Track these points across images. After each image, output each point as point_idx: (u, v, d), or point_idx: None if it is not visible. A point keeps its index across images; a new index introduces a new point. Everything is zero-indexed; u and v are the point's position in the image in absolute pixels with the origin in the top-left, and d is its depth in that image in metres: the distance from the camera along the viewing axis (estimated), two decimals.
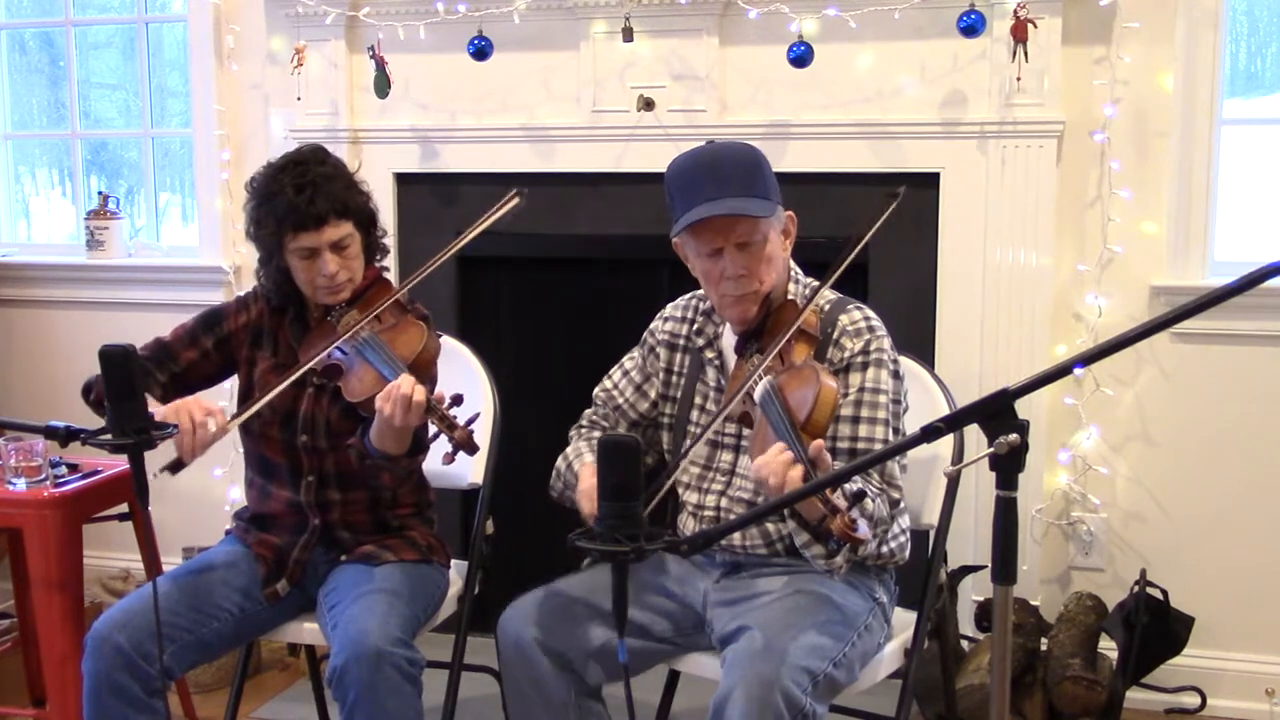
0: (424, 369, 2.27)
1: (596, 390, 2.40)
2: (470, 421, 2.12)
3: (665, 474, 2.15)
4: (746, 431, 2.15)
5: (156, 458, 1.97)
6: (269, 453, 2.39)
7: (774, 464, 1.84)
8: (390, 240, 3.31)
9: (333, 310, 2.34)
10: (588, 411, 2.41)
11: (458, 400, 2.14)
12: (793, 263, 2.22)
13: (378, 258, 2.43)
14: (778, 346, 2.05)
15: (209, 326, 2.43)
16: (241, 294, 2.51)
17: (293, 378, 2.26)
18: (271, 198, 2.27)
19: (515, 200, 2.39)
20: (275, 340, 2.41)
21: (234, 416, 2.24)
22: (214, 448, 2.47)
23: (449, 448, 2.11)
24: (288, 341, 2.39)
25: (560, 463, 2.34)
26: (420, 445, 2.28)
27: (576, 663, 2.12)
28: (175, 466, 2.15)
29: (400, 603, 2.23)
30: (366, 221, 2.36)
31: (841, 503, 1.75)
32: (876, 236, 3.05)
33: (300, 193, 2.24)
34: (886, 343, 2.16)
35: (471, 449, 2.11)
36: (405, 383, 2.12)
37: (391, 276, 3.32)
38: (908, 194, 3.04)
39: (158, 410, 2.14)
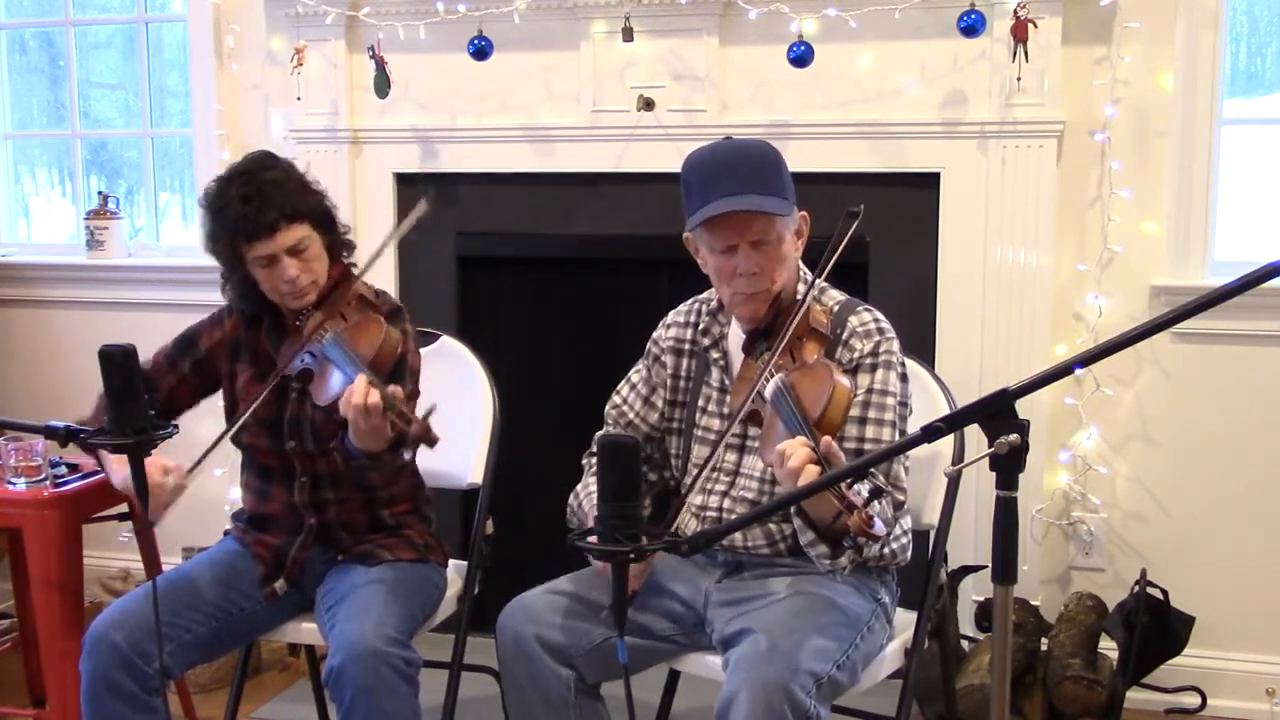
0: (384, 365, 2.24)
1: (607, 408, 2.40)
2: (428, 414, 2.07)
3: (682, 494, 2.19)
4: (753, 431, 2.15)
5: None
6: (261, 458, 2.38)
7: (795, 446, 1.84)
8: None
9: (301, 315, 2.32)
10: (599, 434, 2.40)
11: (414, 395, 2.12)
12: (801, 263, 2.22)
13: (344, 255, 2.40)
14: (785, 340, 2.05)
15: (185, 350, 2.43)
16: (215, 310, 2.48)
17: (251, 407, 2.25)
18: (221, 210, 2.25)
19: (422, 208, 2.35)
20: (254, 351, 2.40)
21: (190, 470, 2.23)
22: (215, 449, 2.48)
23: (405, 445, 2.09)
24: (265, 350, 2.38)
25: (572, 500, 2.33)
26: (402, 441, 2.26)
27: (576, 660, 2.12)
28: (147, 525, 2.21)
29: (397, 602, 2.23)
30: (324, 221, 2.33)
31: (858, 499, 1.75)
32: (877, 236, 3.08)
33: (248, 202, 2.21)
34: (895, 345, 2.16)
35: (430, 441, 2.08)
36: (359, 388, 2.08)
37: (389, 277, 3.35)
38: (908, 194, 3.07)
39: (124, 471, 2.14)
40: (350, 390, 2.09)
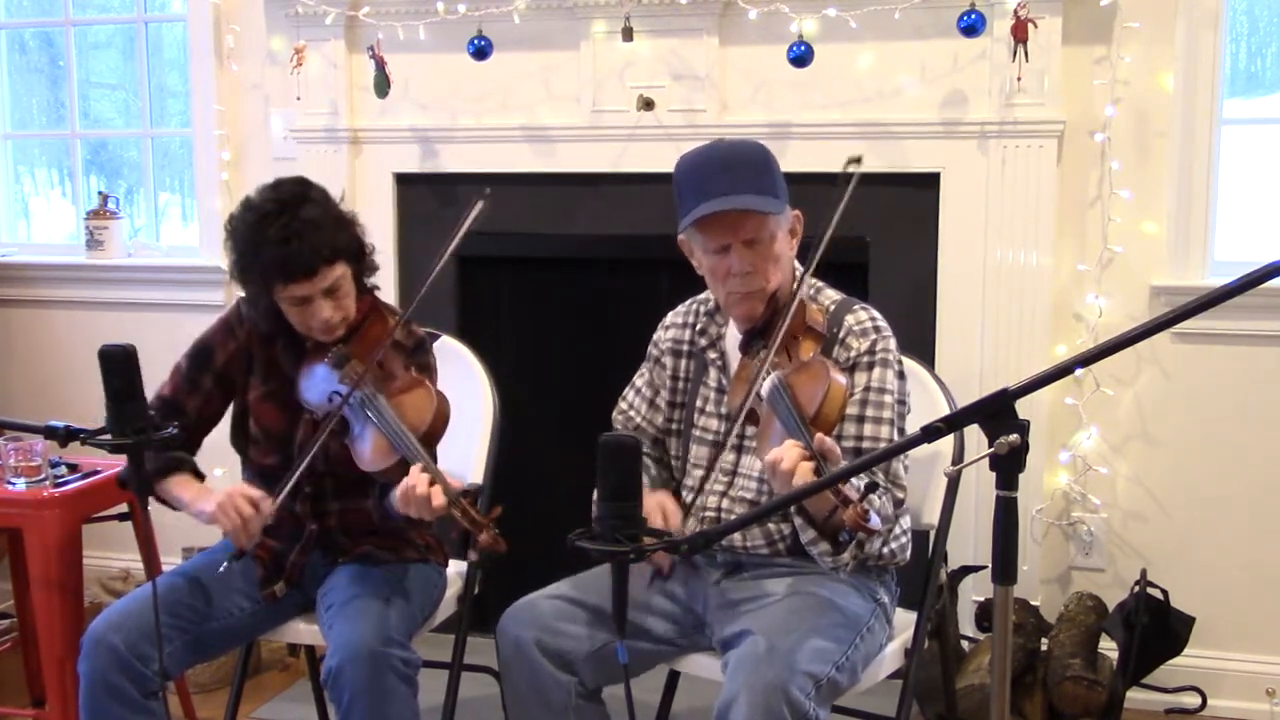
0: (433, 438, 2.21)
1: (615, 414, 2.40)
2: (492, 516, 2.03)
3: (688, 497, 2.19)
4: (750, 430, 2.15)
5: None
6: (265, 464, 2.35)
7: (787, 450, 1.84)
8: (389, 241, 3.35)
9: (329, 346, 2.27)
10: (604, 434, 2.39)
11: (476, 492, 2.05)
12: (797, 262, 2.22)
13: (367, 278, 2.34)
14: (780, 338, 2.05)
15: (202, 366, 2.36)
16: (224, 315, 2.41)
17: (314, 448, 2.20)
18: (257, 249, 2.17)
19: (480, 204, 2.27)
20: (266, 364, 2.36)
21: (277, 497, 2.20)
22: (214, 450, 2.47)
23: (473, 547, 2.04)
24: (279, 367, 2.34)
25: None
26: (467, 543, 2.22)
27: (576, 664, 2.12)
28: (239, 556, 2.20)
29: (396, 603, 2.23)
30: (357, 254, 2.28)
31: (854, 494, 1.75)
32: (877, 236, 3.08)
33: (286, 244, 2.14)
34: (892, 343, 2.16)
35: (500, 550, 2.03)
36: (420, 483, 2.04)
37: (389, 277, 3.34)
38: (908, 194, 3.07)
39: (207, 506, 2.17)
40: (411, 484, 2.05)
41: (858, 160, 2.14)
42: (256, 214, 2.20)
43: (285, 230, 2.15)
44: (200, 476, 2.34)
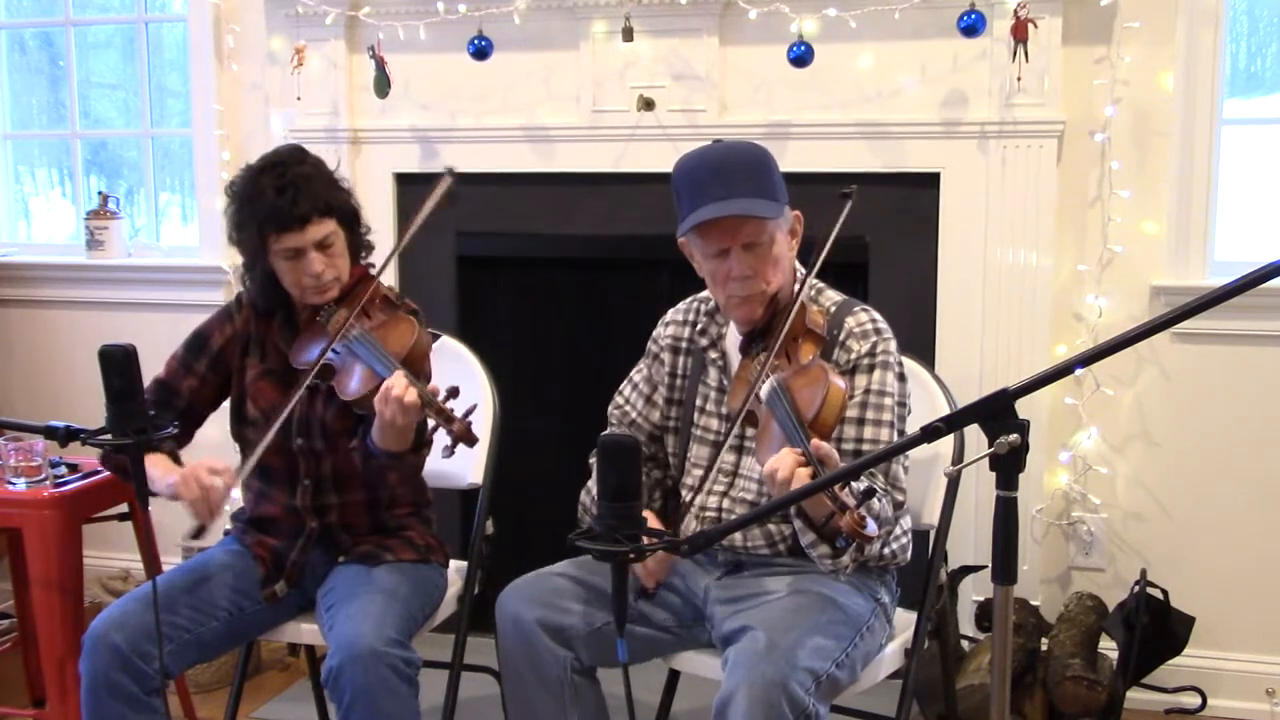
0: (417, 363, 2.25)
1: (610, 409, 2.40)
2: (468, 413, 2.09)
3: (688, 497, 2.19)
4: (750, 432, 2.15)
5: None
6: (263, 457, 2.36)
7: (783, 459, 1.84)
8: (390, 241, 3.35)
9: (321, 310, 2.33)
10: (604, 434, 2.40)
11: (454, 393, 2.11)
12: (798, 263, 2.22)
13: (363, 255, 2.41)
14: (780, 342, 2.05)
15: (198, 350, 2.41)
16: (224, 305, 2.47)
17: (294, 401, 2.24)
18: (252, 200, 2.25)
19: (448, 182, 2.35)
20: (263, 345, 2.39)
21: (239, 470, 2.23)
22: (214, 451, 2.47)
23: (448, 441, 2.08)
24: (276, 346, 2.38)
25: (584, 497, 2.33)
26: (424, 440, 2.27)
27: (574, 641, 2.13)
28: (198, 532, 2.19)
29: (397, 603, 2.23)
30: (349, 218, 2.35)
31: (850, 500, 1.75)
32: (877, 236, 3.08)
33: (281, 194, 2.22)
34: (892, 345, 2.16)
35: (470, 440, 2.09)
36: (397, 383, 2.10)
37: (390, 277, 3.34)
38: (908, 194, 3.07)
39: (172, 478, 2.18)
40: (388, 385, 2.10)
41: (849, 193, 2.15)
42: (254, 169, 2.30)
43: (280, 180, 2.24)
44: (178, 461, 2.35)
